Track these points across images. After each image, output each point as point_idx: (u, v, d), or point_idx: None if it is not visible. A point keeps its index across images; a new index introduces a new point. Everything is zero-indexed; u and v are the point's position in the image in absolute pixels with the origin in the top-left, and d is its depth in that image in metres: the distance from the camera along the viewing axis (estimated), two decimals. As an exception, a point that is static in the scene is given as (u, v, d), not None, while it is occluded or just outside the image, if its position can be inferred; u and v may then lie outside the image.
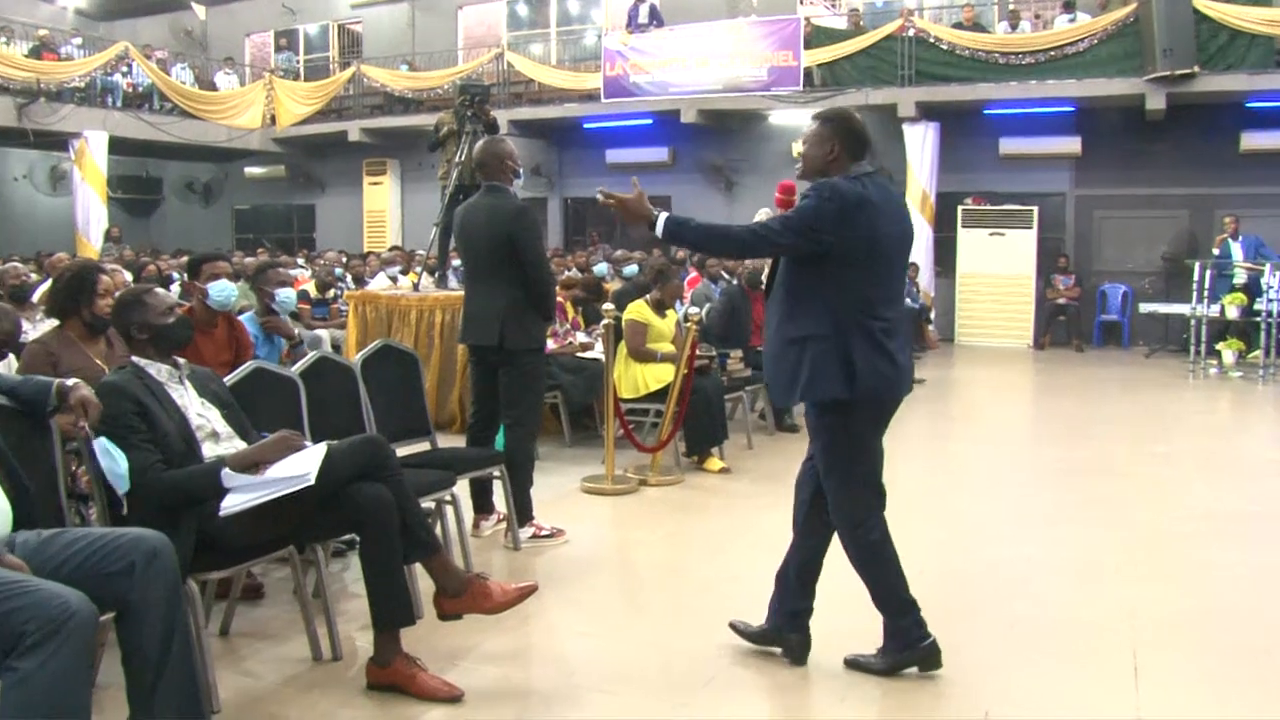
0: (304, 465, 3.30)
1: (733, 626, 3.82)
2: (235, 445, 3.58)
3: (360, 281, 11.19)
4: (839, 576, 3.69)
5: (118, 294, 3.85)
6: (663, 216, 3.57)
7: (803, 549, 3.69)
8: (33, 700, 2.35)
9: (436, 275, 9.13)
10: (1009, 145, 15.39)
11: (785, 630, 3.69)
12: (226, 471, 3.30)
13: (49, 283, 7.85)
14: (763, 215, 8.66)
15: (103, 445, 3.16)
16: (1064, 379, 12.17)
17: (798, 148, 15.28)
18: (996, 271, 15.07)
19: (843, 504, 3.58)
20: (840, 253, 3.37)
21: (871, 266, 3.43)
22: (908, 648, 3.55)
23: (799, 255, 3.45)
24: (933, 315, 14.95)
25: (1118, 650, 3.83)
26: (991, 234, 15.11)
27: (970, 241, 15.24)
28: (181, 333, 3.64)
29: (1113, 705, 3.41)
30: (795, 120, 16.59)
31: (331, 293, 10.42)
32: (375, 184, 20.44)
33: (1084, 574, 4.80)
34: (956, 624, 4.14)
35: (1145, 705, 3.40)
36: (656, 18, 16.72)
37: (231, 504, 3.26)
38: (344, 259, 13.31)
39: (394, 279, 10.84)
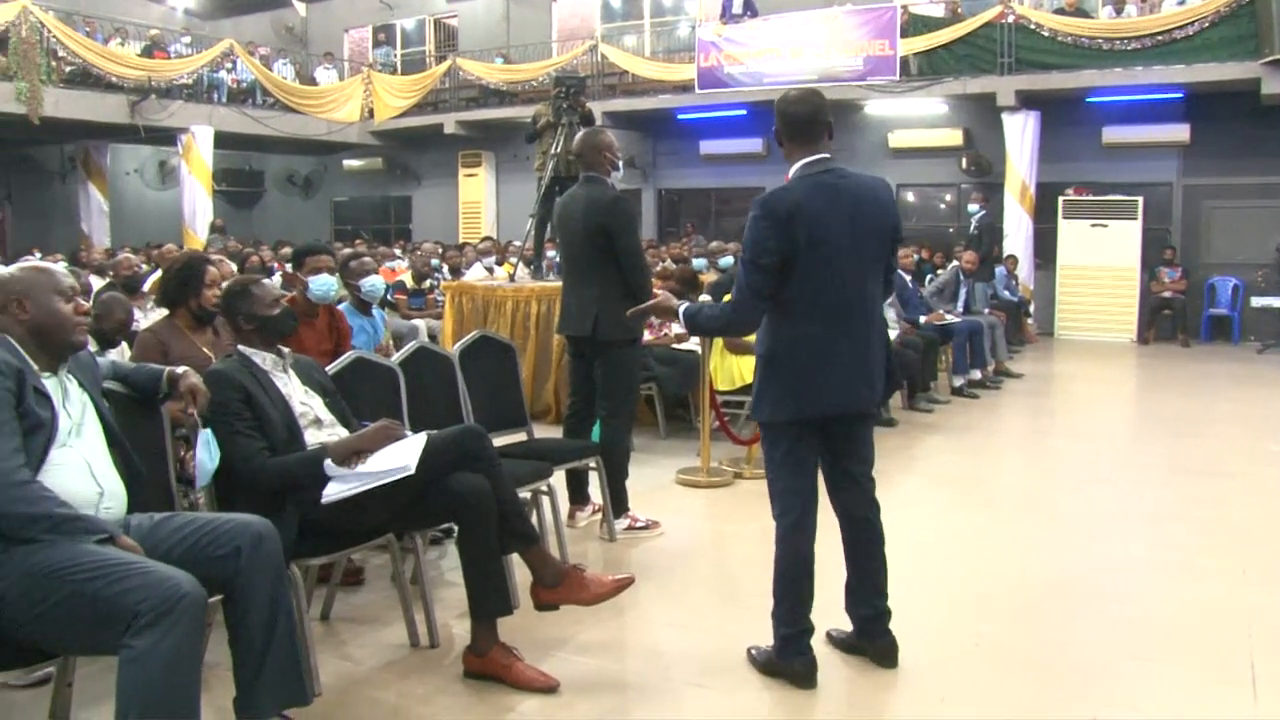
0: (404, 455, 3.34)
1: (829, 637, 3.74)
2: (337, 433, 3.64)
3: (456, 272, 11.31)
4: (930, 578, 3.63)
5: (225, 284, 3.93)
6: (682, 308, 3.66)
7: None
8: (148, 677, 2.42)
9: (532, 266, 9.18)
10: (1113, 134, 14.96)
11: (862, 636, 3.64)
12: (329, 460, 3.35)
13: (158, 273, 8.09)
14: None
15: (205, 437, 3.23)
16: (1170, 375, 11.80)
17: (894, 138, 15.18)
18: (1099, 264, 14.68)
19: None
20: (786, 267, 3.26)
21: (807, 277, 3.27)
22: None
23: (775, 284, 3.28)
24: (1032, 308, 14.65)
25: (1233, 656, 3.70)
26: (1093, 225, 14.73)
27: (1071, 233, 14.86)
28: (286, 324, 3.71)
29: (1229, 712, 3.29)
30: (891, 110, 16.40)
31: (428, 283, 10.55)
32: (470, 175, 20.66)
33: (1193, 576, 4.65)
34: (1059, 625, 4.06)
35: (1266, 715, 3.27)
36: (751, 8, 16.60)
37: (333, 492, 3.32)
38: (440, 250, 13.47)
39: (490, 270, 10.93)
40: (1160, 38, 13.74)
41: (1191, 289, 14.60)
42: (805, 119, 3.35)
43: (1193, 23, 13.51)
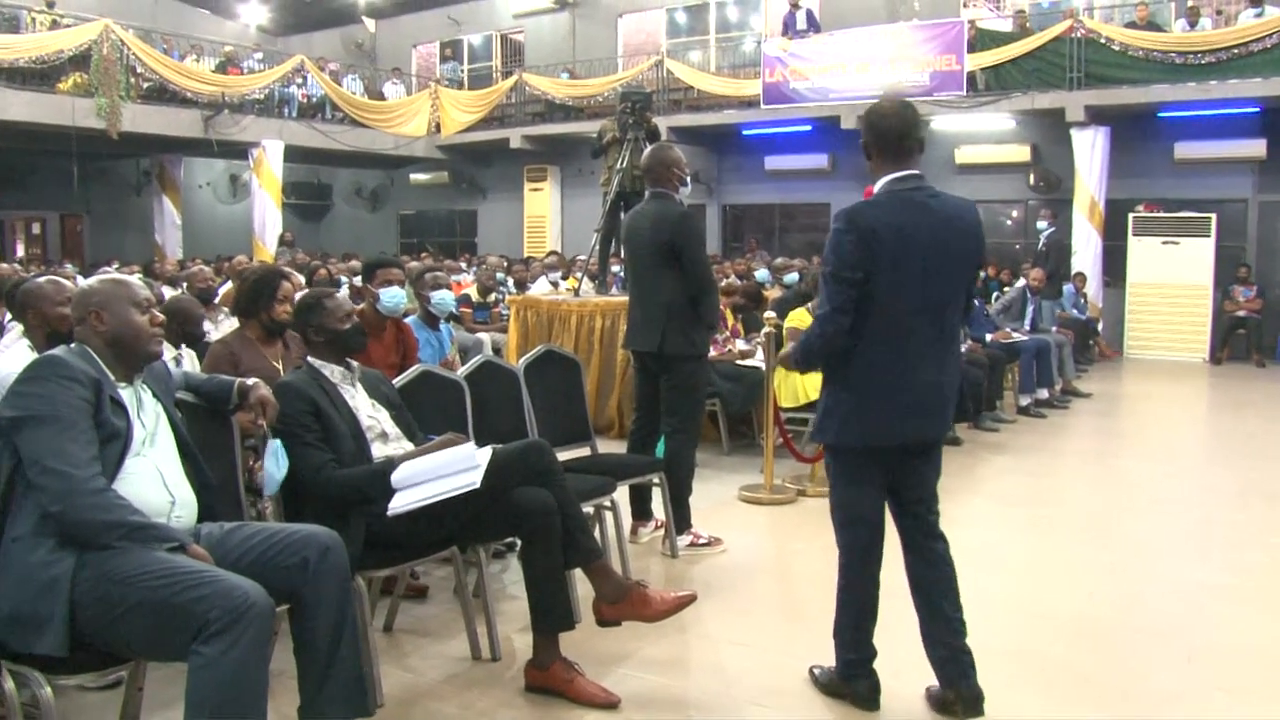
0: (471, 464, 3.36)
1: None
2: (403, 446, 3.67)
3: (522, 286, 11.38)
4: (995, 601, 3.56)
5: (299, 295, 3.99)
6: (792, 363, 3.53)
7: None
8: (217, 683, 2.46)
9: (597, 281, 9.21)
10: (1185, 149, 14.66)
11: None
12: (395, 473, 3.38)
13: (229, 284, 8.23)
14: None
15: (274, 448, 3.27)
16: (1244, 395, 11.54)
17: (961, 154, 15.02)
18: (1170, 281, 14.39)
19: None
20: (873, 282, 3.10)
21: (887, 297, 3.11)
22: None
23: (855, 300, 3.12)
24: (1100, 327, 14.42)
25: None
26: (1165, 242, 14.44)
27: (1142, 250, 14.59)
28: (357, 340, 3.76)
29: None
30: (958, 126, 16.23)
31: (493, 296, 10.62)
32: (536, 190, 20.80)
33: (1269, 605, 4.53)
34: (1130, 652, 3.97)
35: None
36: (814, 24, 16.56)
37: (399, 504, 3.34)
38: (505, 263, 13.56)
39: (555, 284, 10.98)
40: (1236, 51, 13.44)
41: (1268, 308, 14.25)
42: (896, 133, 3.19)
43: (1270, 35, 13.22)
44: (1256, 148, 14.28)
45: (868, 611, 3.39)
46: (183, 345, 4.83)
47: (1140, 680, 3.66)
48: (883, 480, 3.35)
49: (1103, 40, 14.30)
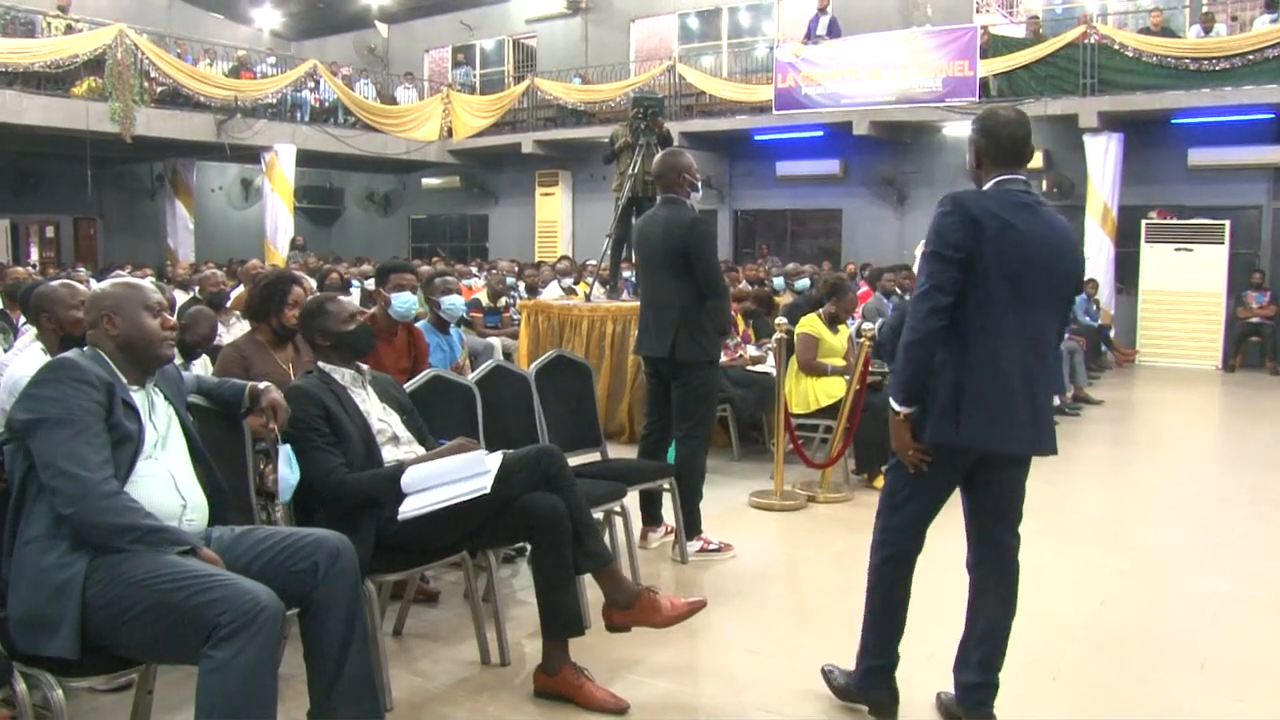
0: (481, 469, 3.36)
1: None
2: (414, 450, 3.67)
3: (533, 291, 11.38)
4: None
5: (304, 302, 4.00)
6: (893, 404, 3.16)
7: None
8: (227, 687, 2.47)
9: (608, 286, 9.22)
10: (1199, 156, 14.60)
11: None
12: (406, 477, 3.39)
13: (240, 288, 8.25)
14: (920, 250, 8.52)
15: (287, 453, 3.28)
16: (1258, 403, 11.48)
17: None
18: (1183, 289, 14.34)
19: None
20: (972, 272, 3.01)
21: (995, 292, 3.02)
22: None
23: (959, 282, 3.02)
24: (1113, 333, 14.37)
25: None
26: (1178, 249, 14.40)
27: (1155, 257, 14.55)
28: (364, 340, 3.76)
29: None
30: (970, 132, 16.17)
31: (504, 301, 10.63)
32: (547, 195, 20.82)
33: (1283, 613, 4.51)
34: (1140, 661, 3.95)
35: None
36: (835, 30, 16.54)
37: (409, 509, 3.34)
38: (517, 268, 13.56)
39: (569, 290, 10.99)
40: (1251, 57, 13.37)
41: (1281, 316, 14.18)
42: (1020, 142, 3.14)
43: (1286, 41, 13.15)
44: (1272, 154, 14.21)
45: (895, 619, 3.31)
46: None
47: (1153, 689, 3.64)
48: (948, 492, 3.23)
49: (1116, 46, 14.26)
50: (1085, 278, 13.72)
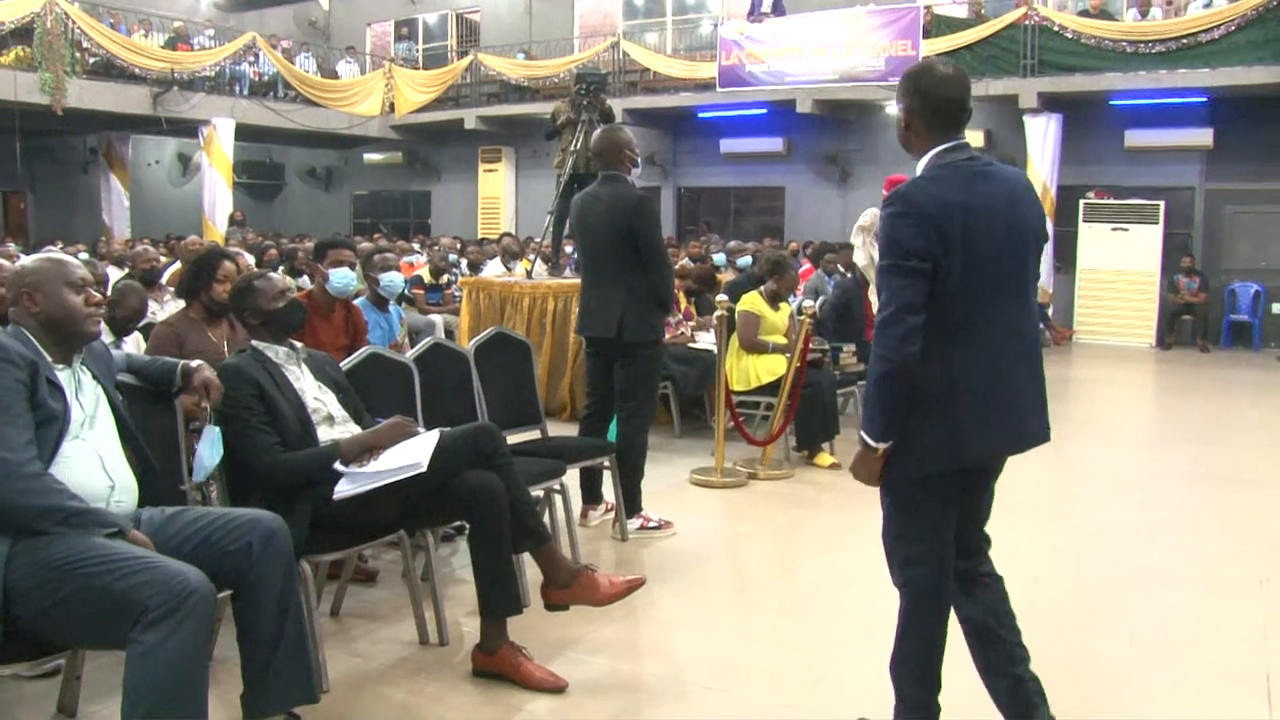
0: (416, 452, 3.33)
1: None
2: (350, 429, 3.63)
3: (476, 268, 11.31)
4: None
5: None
6: (861, 436, 2.74)
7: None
8: (156, 672, 2.42)
9: (550, 263, 9.18)
10: (1135, 137, 14.85)
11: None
12: (341, 457, 3.35)
13: (176, 265, 8.11)
14: (866, 218, 8.47)
15: (214, 435, 3.21)
16: (1190, 380, 11.71)
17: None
18: (1119, 268, 14.57)
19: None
20: (942, 275, 2.62)
21: (966, 288, 2.64)
22: None
23: (927, 294, 2.61)
24: (1050, 312, 14.58)
25: (1250, 671, 3.65)
26: (1114, 229, 14.62)
27: (1092, 236, 14.76)
28: (293, 316, 3.70)
29: (1243, 725, 3.27)
30: (913, 111, 16.29)
31: (445, 278, 10.55)
32: (490, 171, 20.70)
33: (1213, 587, 4.60)
34: (1072, 635, 4.02)
35: (1279, 727, 3.24)
36: (778, 8, 16.55)
37: (345, 488, 3.31)
38: (459, 245, 13.47)
39: (510, 267, 10.93)
40: (1185, 41, 13.61)
41: (1213, 295, 14.50)
42: (957, 103, 2.75)
43: (1218, 26, 13.39)
44: (1204, 136, 14.49)
45: (934, 667, 2.88)
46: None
47: (1083, 662, 3.70)
48: (957, 507, 2.83)
49: (1056, 28, 14.41)
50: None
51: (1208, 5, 13.91)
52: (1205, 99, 14.17)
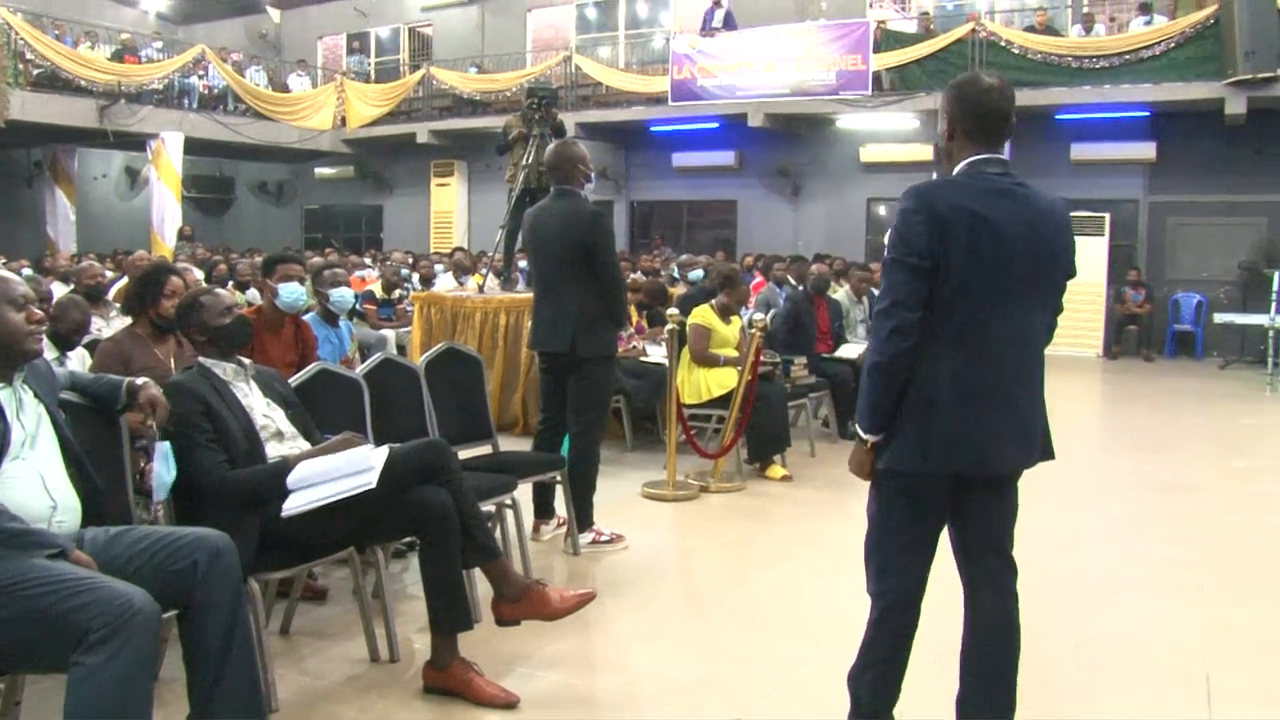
0: (366, 465, 3.31)
1: None
2: (299, 445, 3.61)
3: (428, 282, 11.27)
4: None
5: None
6: (855, 430, 2.81)
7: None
8: (98, 695, 2.38)
9: (502, 277, 9.17)
10: (1080, 151, 15.13)
11: None
12: (290, 474, 3.33)
13: (124, 280, 8.02)
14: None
15: (164, 450, 3.18)
16: (1135, 389, 11.93)
17: (866, 152, 15.30)
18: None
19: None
20: (944, 275, 2.62)
21: (969, 295, 2.63)
22: None
23: (927, 294, 2.63)
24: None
25: (1191, 673, 3.72)
26: (1062, 241, 14.82)
27: (1039, 248, 14.95)
28: (239, 333, 3.67)
29: (1185, 729, 3.33)
30: (863, 125, 16.49)
31: (397, 293, 10.50)
32: (443, 185, 20.66)
33: (1157, 592, 4.68)
34: (1024, 642, 4.05)
35: (1219, 731, 3.31)
36: (730, 23, 16.68)
37: (294, 505, 3.28)
38: (411, 259, 13.42)
39: (462, 281, 10.91)
40: (1128, 57, 13.97)
41: (1157, 305, 14.79)
42: (1001, 115, 2.76)
43: (1159, 43, 13.76)
44: (1147, 150, 14.85)
45: (894, 676, 2.87)
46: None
47: (1027, 667, 3.73)
48: (940, 522, 2.82)
49: (1003, 43, 14.67)
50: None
51: (1149, 22, 14.25)
52: (1148, 113, 14.50)
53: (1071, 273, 2.84)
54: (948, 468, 2.71)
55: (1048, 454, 2.89)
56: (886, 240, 2.82)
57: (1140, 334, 14.69)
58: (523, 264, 9.44)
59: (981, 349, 2.66)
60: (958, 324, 2.64)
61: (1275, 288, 11.79)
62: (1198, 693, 3.56)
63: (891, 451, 2.71)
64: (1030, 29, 15.00)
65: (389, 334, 9.57)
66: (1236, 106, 13.17)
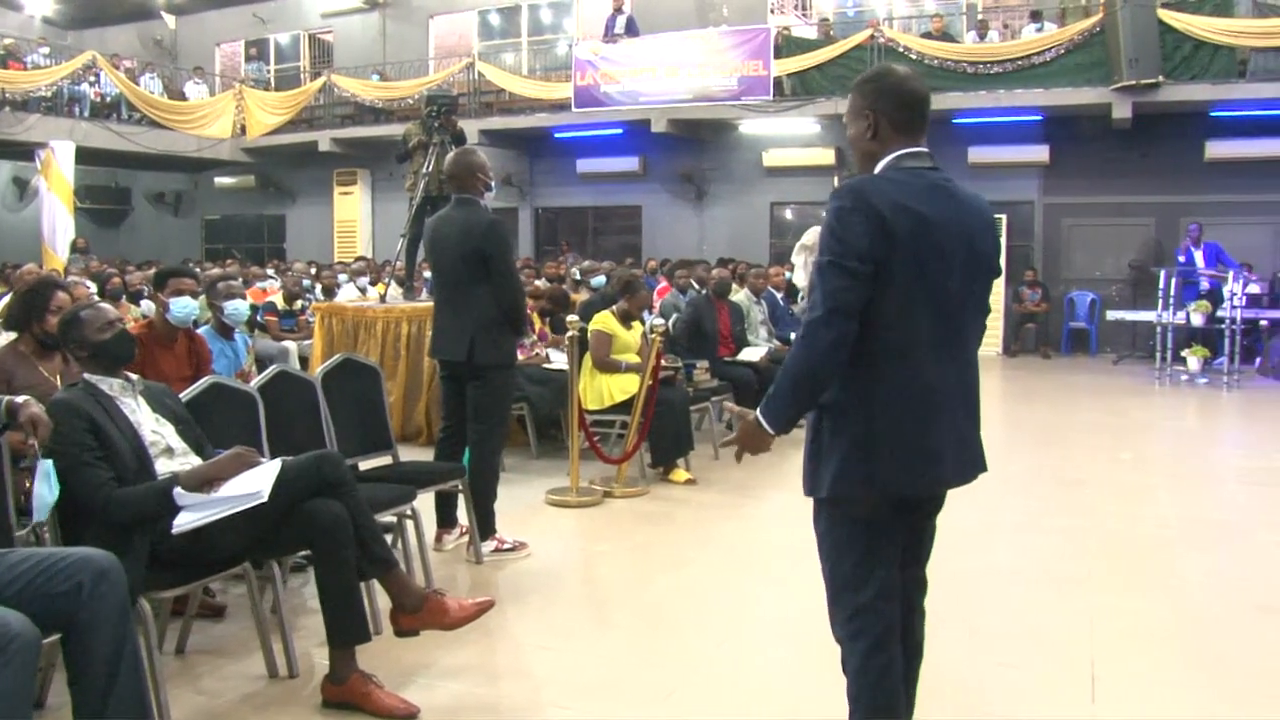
0: (257, 482, 3.28)
1: None
2: (190, 461, 3.55)
3: (330, 293, 11.13)
4: (796, 588, 3.66)
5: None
6: (759, 417, 2.55)
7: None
8: (-25, 723, 2.32)
9: (405, 287, 9.10)
10: (977, 154, 15.48)
11: None
12: (179, 489, 3.27)
13: (9, 296, 7.79)
14: (810, 237, 8.55)
15: (45, 469, 3.10)
16: (1033, 386, 12.27)
17: (768, 157, 15.41)
18: (966, 279, 15.12)
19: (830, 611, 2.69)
20: (884, 282, 2.42)
21: (910, 300, 2.45)
22: None
23: (865, 298, 2.41)
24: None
25: (1076, 659, 3.85)
26: (961, 242, 15.16)
27: (939, 250, 15.28)
28: (121, 348, 3.58)
29: (1070, 713, 3.44)
30: (765, 129, 16.69)
31: (299, 304, 10.35)
32: (346, 194, 20.42)
33: (1049, 582, 4.83)
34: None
35: (1101, 716, 3.43)
36: (632, 29, 16.75)
37: (184, 521, 3.23)
38: (313, 269, 13.24)
39: (363, 290, 10.79)
40: (1020, 62, 14.38)
41: (1053, 303, 15.25)
42: (926, 100, 2.61)
43: (1050, 49, 14.18)
44: (1040, 153, 15.32)
45: (895, 712, 2.62)
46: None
47: (928, 660, 3.83)
48: (898, 545, 2.65)
49: (901, 49, 14.92)
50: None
51: (1040, 30, 14.66)
52: (1041, 117, 14.94)
53: (997, 272, 2.67)
54: (896, 492, 2.55)
55: (981, 466, 2.77)
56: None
57: (1038, 332, 15.14)
58: (427, 273, 9.37)
59: (923, 363, 2.49)
60: (898, 336, 2.46)
61: (1161, 286, 12.19)
62: (1082, 679, 3.68)
63: (833, 475, 2.52)
64: (927, 35, 15.35)
65: (291, 346, 9.44)
66: (1123, 111, 13.62)
